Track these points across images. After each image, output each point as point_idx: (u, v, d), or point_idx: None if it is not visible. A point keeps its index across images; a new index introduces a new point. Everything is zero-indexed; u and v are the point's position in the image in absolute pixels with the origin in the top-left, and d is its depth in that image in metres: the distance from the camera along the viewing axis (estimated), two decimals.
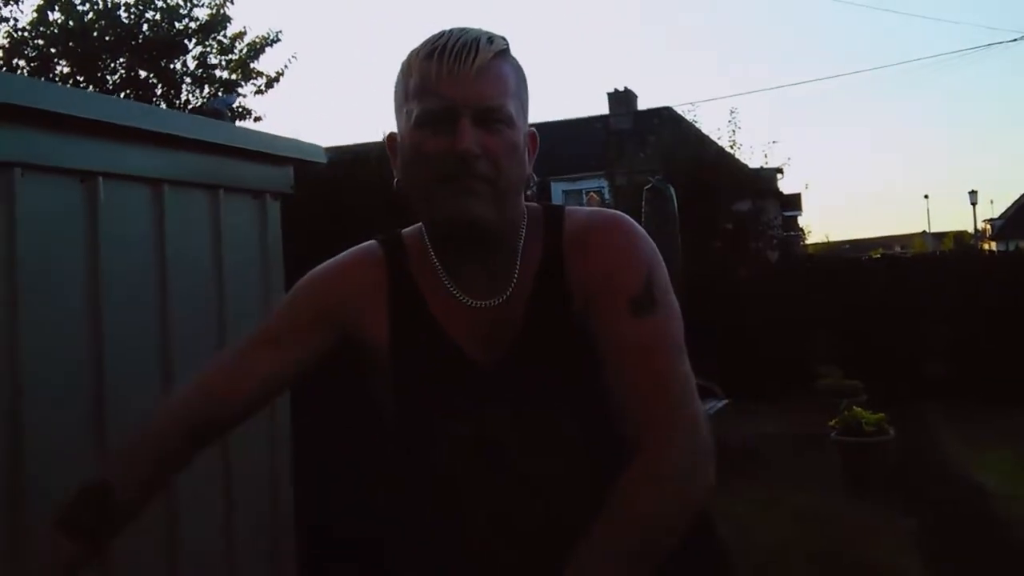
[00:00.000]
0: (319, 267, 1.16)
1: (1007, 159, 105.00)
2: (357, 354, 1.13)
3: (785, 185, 15.33)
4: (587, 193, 17.57)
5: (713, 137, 11.37)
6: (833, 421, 5.66)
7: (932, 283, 8.76)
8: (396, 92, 1.07)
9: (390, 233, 1.17)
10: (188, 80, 9.37)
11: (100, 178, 1.89)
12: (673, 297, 1.07)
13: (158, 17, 9.01)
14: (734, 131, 11.01)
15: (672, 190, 5.87)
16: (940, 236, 40.07)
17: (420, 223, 1.14)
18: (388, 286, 1.11)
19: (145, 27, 9.06)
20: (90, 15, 8.83)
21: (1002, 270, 9.07)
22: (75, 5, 8.73)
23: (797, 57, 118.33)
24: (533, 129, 1.11)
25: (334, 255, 1.17)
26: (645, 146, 11.09)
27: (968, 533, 4.60)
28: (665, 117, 12.63)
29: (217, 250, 2.27)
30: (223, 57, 9.44)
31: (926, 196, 65.31)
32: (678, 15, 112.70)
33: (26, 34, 8.94)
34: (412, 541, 1.21)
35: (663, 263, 1.09)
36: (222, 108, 2.93)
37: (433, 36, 1.04)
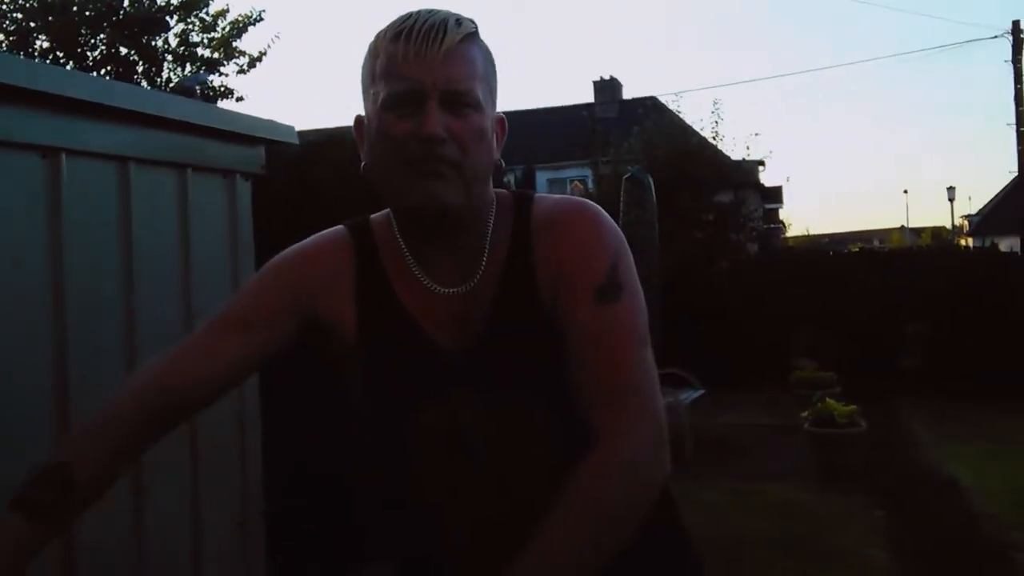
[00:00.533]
0: (286, 251, 1.14)
1: (986, 156, 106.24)
2: (324, 341, 1.11)
3: (767, 177, 15.42)
4: (571, 182, 17.59)
5: (696, 128, 11.39)
6: (806, 413, 5.71)
7: (909, 278, 8.86)
8: (363, 74, 1.05)
9: (357, 218, 1.15)
10: (170, 58, 9.23)
11: (63, 154, 1.86)
12: (638, 287, 1.06)
13: None
14: (717, 122, 11.05)
15: (651, 180, 5.88)
16: (918, 231, 40.46)
17: (388, 209, 1.12)
18: (356, 272, 1.10)
19: (126, 2, 8.92)
20: None
21: (978, 266, 9.19)
22: None
23: (778, 52, 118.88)
24: (502, 115, 1.09)
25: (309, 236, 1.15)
26: (629, 136, 11.09)
27: (935, 525, 4.66)
28: (649, 107, 12.60)
29: (185, 230, 2.24)
30: (205, 35, 9.31)
31: (905, 191, 66.21)
32: (668, 4, 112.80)
33: (4, 7, 8.77)
34: (383, 529, 1.20)
35: (629, 253, 1.08)
36: (192, 86, 2.88)
37: (401, 17, 1.02)
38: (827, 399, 5.73)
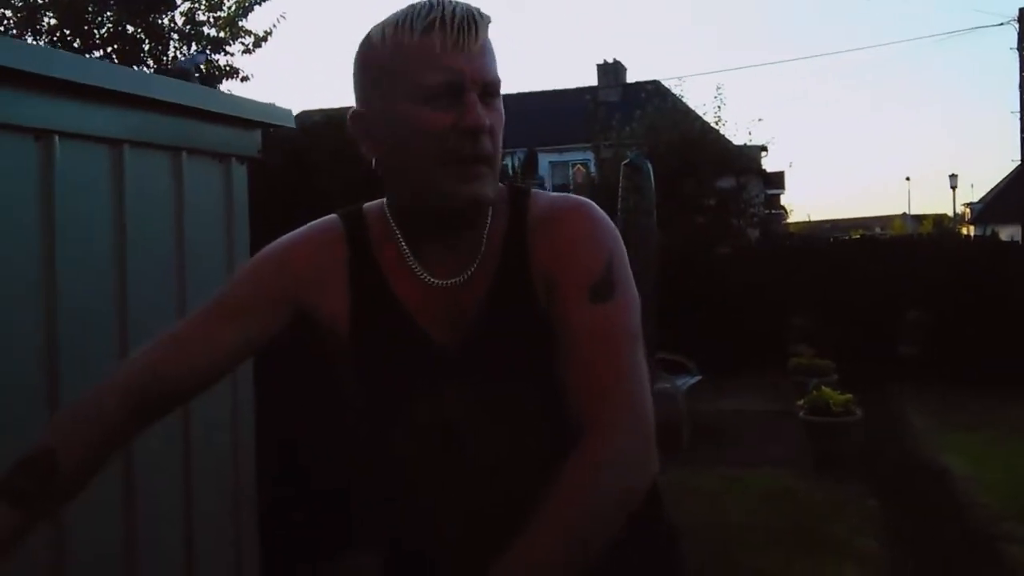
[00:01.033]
0: (279, 240, 1.13)
1: (990, 144, 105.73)
2: (317, 332, 1.10)
3: (769, 163, 15.38)
4: (574, 165, 17.51)
5: (699, 112, 11.34)
6: (801, 400, 5.72)
7: (910, 265, 8.85)
8: (367, 68, 1.03)
9: (350, 207, 1.14)
10: (176, 36, 9.17)
11: (56, 137, 1.84)
12: (632, 284, 1.06)
13: None
14: (719, 107, 11.01)
15: (650, 166, 5.84)
16: (920, 219, 40.34)
17: (381, 199, 1.11)
18: (349, 264, 1.09)
19: None
20: None
21: (980, 254, 9.16)
22: None
23: (780, 38, 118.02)
24: None
25: (307, 222, 1.14)
26: (632, 120, 11.04)
27: (929, 514, 4.68)
28: (652, 91, 12.54)
29: (179, 214, 2.22)
30: (211, 14, 9.25)
31: (907, 178, 66.00)
32: None
33: None
34: (375, 521, 1.20)
35: (624, 251, 1.08)
36: (188, 68, 2.86)
37: (416, 8, 0.99)
38: (823, 387, 5.74)
